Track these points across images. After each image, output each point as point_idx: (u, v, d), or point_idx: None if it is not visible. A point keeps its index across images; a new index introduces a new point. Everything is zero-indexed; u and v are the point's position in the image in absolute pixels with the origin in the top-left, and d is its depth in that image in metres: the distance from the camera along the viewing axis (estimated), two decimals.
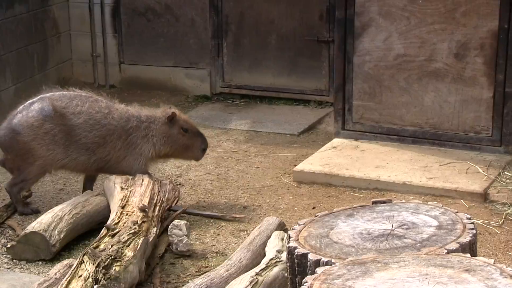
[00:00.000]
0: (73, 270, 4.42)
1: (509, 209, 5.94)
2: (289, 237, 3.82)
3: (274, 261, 4.58)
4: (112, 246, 4.68)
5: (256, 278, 4.38)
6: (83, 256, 4.48)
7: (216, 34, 9.13)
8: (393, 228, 3.89)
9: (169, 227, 5.40)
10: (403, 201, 4.38)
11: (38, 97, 6.00)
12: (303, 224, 4.02)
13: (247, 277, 4.42)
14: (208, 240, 5.61)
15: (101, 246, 4.74)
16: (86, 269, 4.37)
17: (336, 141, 7.52)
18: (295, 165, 6.91)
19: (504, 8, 6.75)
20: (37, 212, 6.04)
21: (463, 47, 7.01)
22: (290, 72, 8.91)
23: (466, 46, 7.00)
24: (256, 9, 8.91)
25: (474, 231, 3.82)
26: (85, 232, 5.63)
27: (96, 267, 4.37)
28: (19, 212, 6.05)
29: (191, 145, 6.16)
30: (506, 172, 6.53)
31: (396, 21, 7.22)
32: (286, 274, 3.96)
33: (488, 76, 6.95)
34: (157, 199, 5.55)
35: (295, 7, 8.72)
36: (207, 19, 9.12)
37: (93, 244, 4.81)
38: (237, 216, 5.93)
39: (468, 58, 7.01)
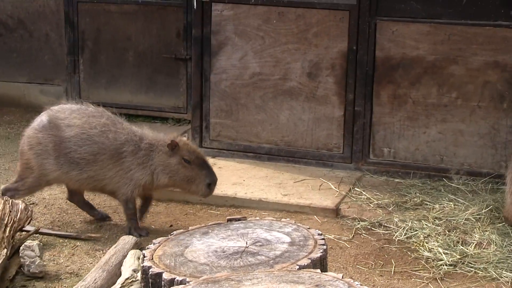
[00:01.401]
0: None
1: (358, 224, 6.17)
2: (144, 257, 3.79)
3: (130, 281, 4.52)
4: None
5: None
6: None
7: (72, 50, 8.94)
8: (247, 246, 3.95)
9: (21, 248, 5.22)
10: (258, 218, 4.45)
11: (50, 108, 5.92)
12: (158, 243, 4.00)
13: None
14: (62, 260, 5.47)
15: None
16: None
17: None
18: None
19: (353, 30, 7.05)
20: (106, 219, 6.10)
21: (315, 66, 7.25)
22: (148, 90, 8.87)
23: (318, 66, 7.24)
24: (113, 26, 8.82)
25: (324, 247, 3.94)
26: None
27: None
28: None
29: (193, 178, 5.70)
30: (356, 188, 6.79)
31: (252, 41, 7.37)
32: None
33: (339, 95, 7.22)
34: (8, 220, 5.35)
35: (152, 24, 8.70)
36: (63, 35, 8.93)
37: None
38: (93, 235, 5.82)
39: (320, 78, 7.25)
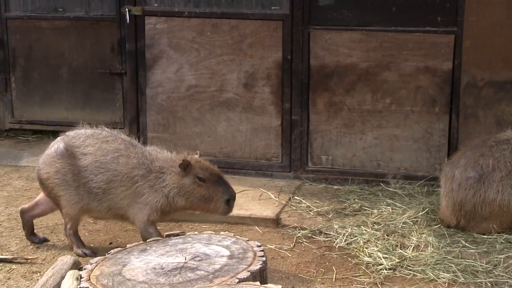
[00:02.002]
0: None
1: (299, 232, 6.19)
2: (81, 278, 3.73)
3: None
4: None
5: None
6: None
7: (3, 68, 8.78)
8: (186, 261, 3.93)
9: None
10: (196, 232, 4.43)
11: (65, 134, 5.72)
12: (96, 262, 3.94)
13: None
14: None
15: None
16: None
17: None
18: None
19: (287, 40, 7.10)
20: (91, 255, 5.59)
21: (251, 77, 7.27)
22: (83, 105, 8.75)
23: (254, 76, 7.26)
24: (45, 42, 8.69)
25: (264, 258, 3.94)
26: None
27: None
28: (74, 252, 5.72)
29: (210, 196, 5.41)
30: (295, 197, 6.82)
31: (187, 53, 7.35)
32: None
33: (276, 105, 7.25)
34: None
35: (85, 39, 8.60)
36: None
37: None
38: (30, 257, 5.70)
39: (256, 88, 7.28)
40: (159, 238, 4.30)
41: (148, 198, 5.41)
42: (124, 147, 5.57)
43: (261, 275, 3.80)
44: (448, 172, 6.08)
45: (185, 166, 5.36)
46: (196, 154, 5.61)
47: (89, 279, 3.71)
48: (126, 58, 7.65)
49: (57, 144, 5.69)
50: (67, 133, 5.78)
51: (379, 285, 5.32)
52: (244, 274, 3.72)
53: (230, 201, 5.44)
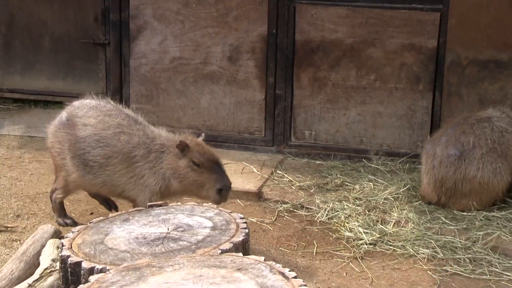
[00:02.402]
0: None
1: (281, 206, 6.21)
2: (62, 246, 3.72)
3: (49, 271, 4.43)
4: None
5: None
6: None
7: None
8: (168, 231, 3.92)
9: None
10: (179, 203, 4.42)
11: (72, 103, 5.61)
12: (77, 231, 3.93)
13: None
14: None
15: None
16: None
17: None
18: None
19: (272, 14, 7.06)
20: (72, 225, 5.56)
21: (236, 50, 7.24)
22: (65, 75, 8.68)
23: (238, 49, 7.23)
24: (27, 11, 8.57)
25: (246, 230, 3.95)
26: None
27: None
28: (55, 221, 5.70)
29: (202, 183, 5.15)
30: (278, 171, 6.84)
31: (171, 25, 7.29)
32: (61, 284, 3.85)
33: (260, 79, 7.23)
34: None
35: (68, 9, 8.50)
36: None
37: None
38: (9, 226, 5.67)
39: (241, 61, 7.25)
40: (142, 208, 4.29)
41: (147, 180, 5.23)
42: (127, 123, 5.38)
43: (243, 247, 3.81)
44: (430, 149, 6.11)
45: (182, 148, 5.13)
46: (201, 136, 5.41)
47: (71, 247, 3.70)
48: (110, 28, 7.58)
49: (61, 114, 5.61)
50: (73, 102, 5.65)
51: (359, 260, 5.35)
52: (227, 245, 3.73)
53: (222, 191, 5.17)
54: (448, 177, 5.95)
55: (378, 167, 6.90)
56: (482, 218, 5.87)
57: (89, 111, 5.46)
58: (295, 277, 3.14)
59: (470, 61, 6.79)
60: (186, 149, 5.13)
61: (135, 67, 7.46)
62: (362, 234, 5.66)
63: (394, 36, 6.90)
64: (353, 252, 5.45)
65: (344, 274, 5.18)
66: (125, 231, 3.91)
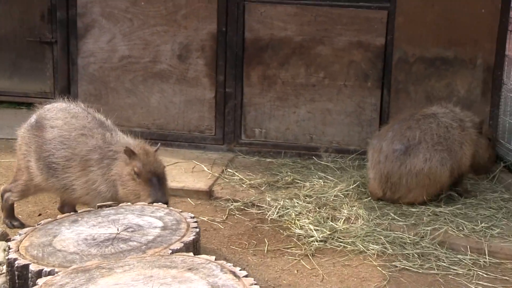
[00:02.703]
0: None
1: (232, 204, 6.21)
2: (9, 248, 3.66)
3: None
4: None
5: None
6: None
7: None
8: (118, 232, 3.89)
9: None
10: (129, 204, 4.39)
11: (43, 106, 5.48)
12: (25, 233, 3.87)
13: None
14: None
15: None
16: None
17: None
18: None
19: (221, 12, 7.05)
20: (19, 227, 5.43)
21: (185, 49, 7.21)
22: (11, 75, 8.53)
23: (188, 48, 7.20)
24: None
25: (197, 230, 3.94)
26: None
27: None
28: (3, 221, 5.54)
29: (138, 194, 4.90)
30: (229, 169, 6.83)
31: (120, 23, 7.23)
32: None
33: (210, 77, 7.22)
34: None
35: (14, 7, 8.36)
36: None
37: None
38: None
39: (190, 60, 7.22)
40: (91, 209, 4.25)
41: (99, 187, 5.04)
42: (92, 126, 5.25)
43: (194, 246, 3.80)
44: (376, 144, 6.18)
45: (129, 154, 4.97)
46: (156, 146, 5.27)
47: (18, 250, 3.64)
48: (57, 26, 7.48)
49: (32, 116, 5.52)
50: (45, 105, 5.54)
51: (310, 257, 5.39)
52: (177, 245, 3.71)
53: (154, 203, 4.77)
54: (393, 172, 6.03)
55: (328, 164, 6.96)
56: (430, 214, 5.96)
57: (58, 113, 5.38)
58: (246, 276, 3.15)
59: (417, 58, 6.89)
60: (132, 157, 4.96)
61: (83, 65, 7.38)
62: (312, 231, 5.69)
63: (342, 34, 6.96)
64: (304, 250, 5.48)
65: (295, 271, 5.21)
66: (74, 233, 3.87)
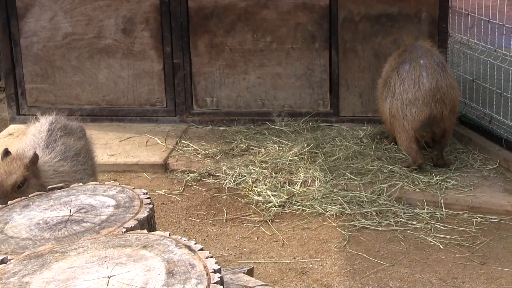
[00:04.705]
0: None
1: (188, 176, 6.18)
2: None
3: None
4: None
5: None
6: None
7: None
8: (71, 214, 3.82)
9: None
10: (81, 184, 4.32)
11: None
12: None
13: None
14: None
15: None
16: None
17: (12, 127, 7.23)
18: None
19: None
20: None
21: (129, 22, 7.09)
22: None
23: (132, 21, 7.08)
24: None
25: (150, 206, 3.89)
26: None
27: None
28: None
29: None
30: (182, 141, 6.79)
31: (60, 0, 7.07)
32: None
33: (157, 49, 7.12)
34: None
35: None
36: None
37: None
38: None
39: (136, 33, 7.11)
40: (43, 192, 4.17)
41: None
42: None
43: (148, 223, 3.75)
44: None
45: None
46: (31, 151, 4.64)
47: None
48: None
49: None
50: None
51: (269, 223, 5.40)
52: (131, 223, 3.66)
53: None
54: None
55: (281, 128, 6.95)
56: (386, 171, 6.01)
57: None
58: (201, 249, 3.13)
59: (362, 16, 6.87)
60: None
61: (26, 46, 7.21)
62: (270, 197, 5.70)
63: None
64: (263, 216, 5.49)
65: (255, 238, 5.22)
66: (26, 218, 3.79)
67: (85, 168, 5.02)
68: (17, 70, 7.29)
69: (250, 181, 5.96)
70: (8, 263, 3.20)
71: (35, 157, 4.52)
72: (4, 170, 4.51)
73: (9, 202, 4.07)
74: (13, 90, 7.32)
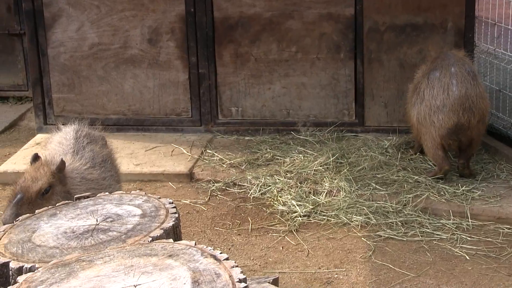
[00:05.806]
0: None
1: (213, 185, 6.19)
2: None
3: None
4: None
5: None
6: None
7: None
8: (97, 223, 3.85)
9: None
10: (107, 193, 4.35)
11: None
12: (3, 231, 3.82)
13: None
14: None
15: None
16: None
17: (39, 136, 7.30)
18: None
19: None
20: None
21: (155, 32, 7.14)
22: None
23: (157, 31, 7.13)
24: None
25: (176, 215, 3.91)
26: None
27: None
28: None
29: None
30: (208, 151, 6.81)
31: (87, 10, 7.14)
32: None
33: (182, 59, 7.16)
34: None
35: None
36: None
37: None
38: None
39: (161, 43, 7.16)
40: (70, 201, 4.21)
41: None
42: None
43: (174, 232, 3.77)
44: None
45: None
46: (60, 157, 4.67)
47: None
48: (24, 18, 7.38)
49: None
50: None
51: (294, 232, 5.39)
52: (157, 232, 3.69)
53: None
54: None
55: (306, 138, 6.95)
56: (411, 181, 5.98)
57: None
58: (226, 259, 3.14)
59: (388, 27, 6.86)
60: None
61: (54, 56, 7.29)
62: (295, 206, 5.70)
63: (312, 6, 6.91)
64: (288, 226, 5.48)
65: (281, 248, 5.22)
66: (53, 227, 3.83)
67: (112, 175, 5.05)
68: (44, 80, 7.36)
69: (275, 190, 5.96)
70: (35, 271, 3.23)
71: (62, 164, 4.54)
72: (30, 176, 4.53)
73: (36, 211, 4.11)
74: (40, 100, 7.40)
